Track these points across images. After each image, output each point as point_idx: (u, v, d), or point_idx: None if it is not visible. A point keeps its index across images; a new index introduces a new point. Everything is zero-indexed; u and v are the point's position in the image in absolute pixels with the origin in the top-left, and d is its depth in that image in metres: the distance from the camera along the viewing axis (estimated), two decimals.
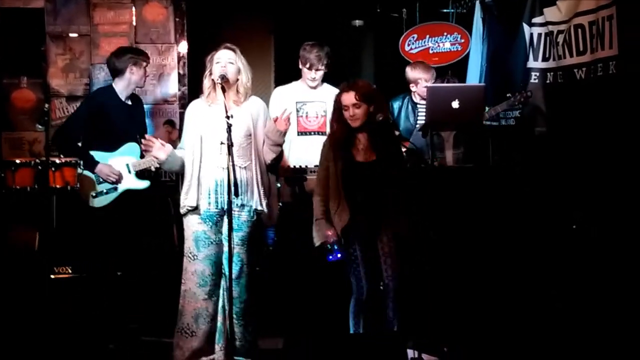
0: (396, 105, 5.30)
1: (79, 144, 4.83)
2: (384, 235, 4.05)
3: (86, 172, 4.71)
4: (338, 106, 4.10)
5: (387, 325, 4.06)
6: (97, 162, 4.69)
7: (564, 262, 4.85)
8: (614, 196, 4.80)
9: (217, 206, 4.07)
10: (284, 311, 4.80)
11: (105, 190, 4.71)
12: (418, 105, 5.24)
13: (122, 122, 4.77)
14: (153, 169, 4.73)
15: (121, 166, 4.73)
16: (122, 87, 4.84)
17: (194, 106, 4.22)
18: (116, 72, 4.85)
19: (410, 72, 5.26)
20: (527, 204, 5.10)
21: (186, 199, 4.08)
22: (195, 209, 4.08)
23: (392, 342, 3.88)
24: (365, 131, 4.09)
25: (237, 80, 4.12)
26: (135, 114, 4.91)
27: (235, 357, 4.05)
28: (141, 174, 4.76)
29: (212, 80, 4.11)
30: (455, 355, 4.20)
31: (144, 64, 4.87)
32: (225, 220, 4.07)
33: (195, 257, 4.08)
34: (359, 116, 4.05)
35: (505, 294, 4.70)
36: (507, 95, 5.10)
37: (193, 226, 4.10)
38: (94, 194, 4.70)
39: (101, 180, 4.69)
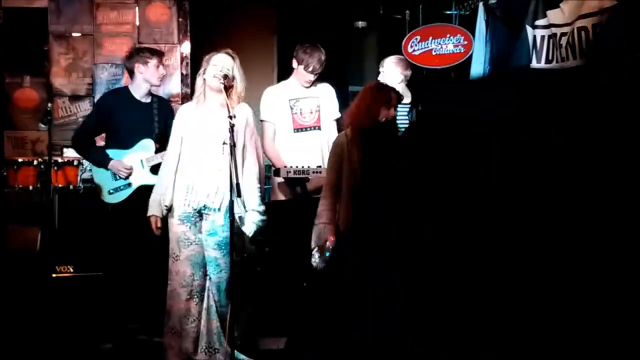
0: None
1: (98, 145, 4.95)
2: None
3: (101, 170, 4.75)
4: (377, 103, 4.02)
5: (389, 329, 4.05)
6: (111, 159, 4.74)
7: (570, 263, 4.84)
8: (618, 199, 4.79)
9: (192, 207, 4.07)
10: (285, 312, 4.79)
11: (120, 187, 4.75)
12: None
13: (136, 120, 4.79)
14: None
15: (136, 162, 4.76)
16: (135, 87, 4.87)
17: (182, 109, 4.23)
18: (129, 73, 4.92)
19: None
20: (533, 206, 5.10)
21: (164, 199, 4.09)
22: (171, 209, 4.09)
23: (395, 345, 3.87)
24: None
25: (232, 87, 4.09)
26: (155, 112, 4.87)
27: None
28: (155, 169, 4.78)
29: (204, 80, 4.09)
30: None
31: (151, 61, 4.82)
32: (205, 221, 4.06)
33: (178, 258, 4.09)
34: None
35: (511, 298, 4.68)
36: None
37: (173, 226, 4.11)
38: (110, 191, 4.75)
39: (117, 176, 4.74)
